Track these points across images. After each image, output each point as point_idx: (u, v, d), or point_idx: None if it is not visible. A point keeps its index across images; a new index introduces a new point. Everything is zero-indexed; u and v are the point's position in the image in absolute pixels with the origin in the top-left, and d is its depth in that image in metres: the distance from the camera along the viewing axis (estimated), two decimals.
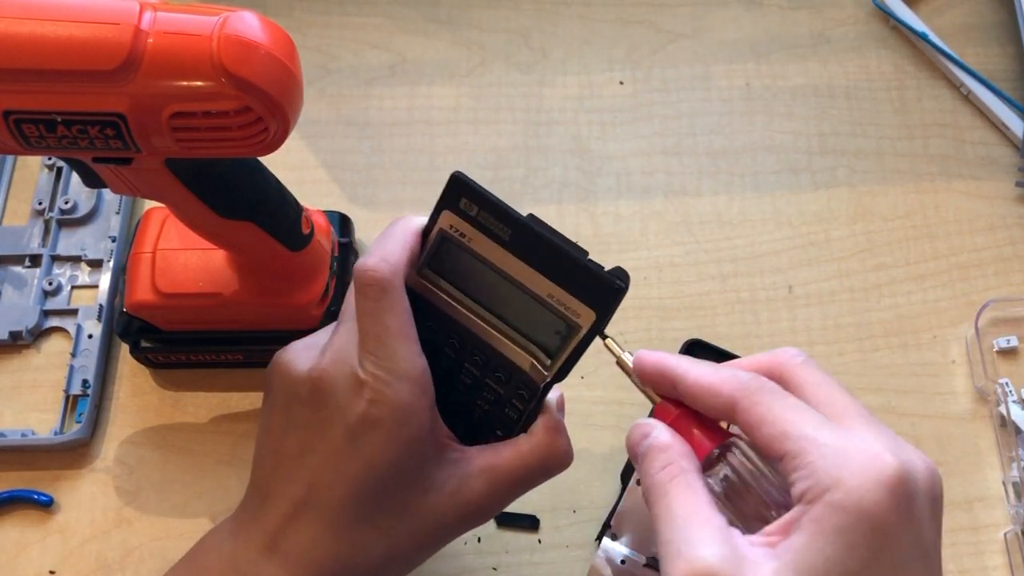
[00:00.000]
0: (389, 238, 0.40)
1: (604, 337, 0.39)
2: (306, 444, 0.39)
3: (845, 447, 0.32)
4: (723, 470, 0.37)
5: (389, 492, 0.39)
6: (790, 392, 0.35)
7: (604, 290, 0.38)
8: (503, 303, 0.40)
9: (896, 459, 0.32)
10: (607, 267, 0.38)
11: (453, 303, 0.41)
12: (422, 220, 0.41)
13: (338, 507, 0.39)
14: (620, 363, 0.40)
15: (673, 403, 0.38)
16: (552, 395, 0.41)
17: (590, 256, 0.38)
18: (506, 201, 0.39)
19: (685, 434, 0.37)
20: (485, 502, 0.40)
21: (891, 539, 0.31)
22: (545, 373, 0.40)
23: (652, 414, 0.39)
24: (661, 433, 0.37)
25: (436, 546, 0.41)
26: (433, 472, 0.40)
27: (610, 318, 0.38)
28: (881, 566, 0.31)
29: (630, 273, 0.38)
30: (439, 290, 0.41)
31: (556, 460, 0.41)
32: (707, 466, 0.37)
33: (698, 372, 0.37)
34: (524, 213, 0.39)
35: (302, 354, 0.41)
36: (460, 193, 0.39)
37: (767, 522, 0.34)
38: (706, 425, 0.38)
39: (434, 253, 0.40)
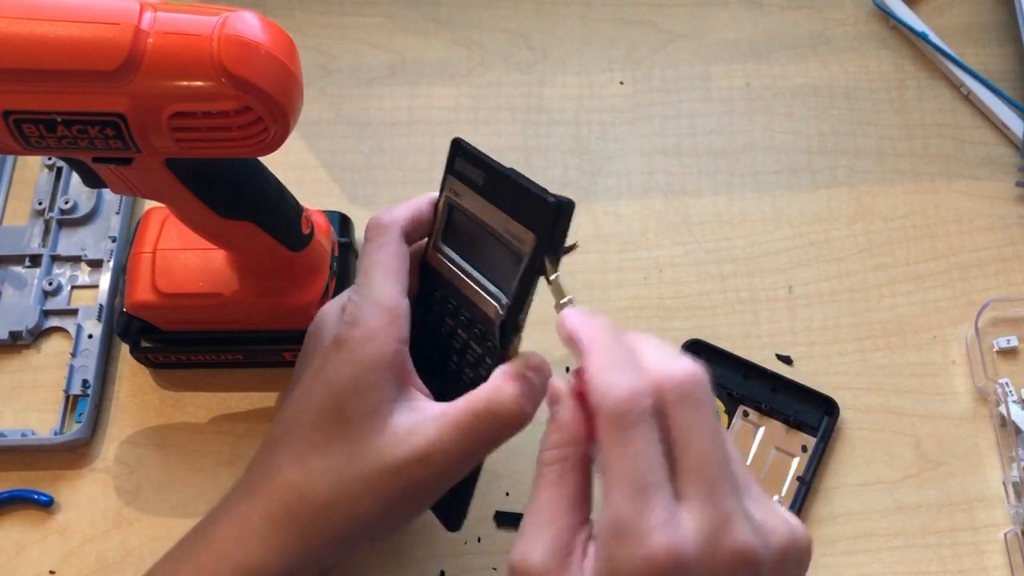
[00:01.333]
0: (401, 203, 0.44)
1: (550, 280, 0.38)
2: (295, 378, 0.44)
3: (625, 520, 0.32)
4: None
5: (344, 419, 0.40)
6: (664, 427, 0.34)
7: (540, 208, 0.38)
8: (481, 255, 0.42)
9: (666, 547, 0.31)
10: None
11: (455, 270, 0.43)
12: (434, 193, 0.44)
13: (299, 435, 0.41)
14: (556, 309, 0.38)
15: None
16: (527, 353, 0.40)
17: (554, 197, 0.37)
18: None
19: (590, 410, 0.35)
20: (432, 448, 0.39)
21: None
22: (501, 312, 0.40)
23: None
24: (563, 410, 0.36)
25: (383, 494, 0.40)
26: (391, 412, 0.40)
27: (552, 242, 0.38)
28: None
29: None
30: (450, 262, 0.43)
31: (502, 405, 0.39)
32: None
33: (597, 366, 0.34)
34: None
35: (329, 319, 0.44)
36: (458, 155, 0.42)
37: None
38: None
39: (446, 224, 0.43)
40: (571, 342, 0.36)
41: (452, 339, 0.44)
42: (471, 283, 0.42)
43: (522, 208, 0.39)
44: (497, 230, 0.40)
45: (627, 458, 0.33)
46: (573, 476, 0.35)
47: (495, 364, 0.41)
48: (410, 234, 0.44)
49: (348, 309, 0.41)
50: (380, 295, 0.41)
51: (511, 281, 0.40)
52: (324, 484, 0.40)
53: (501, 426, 0.39)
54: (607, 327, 0.36)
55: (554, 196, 0.38)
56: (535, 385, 0.40)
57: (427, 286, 0.45)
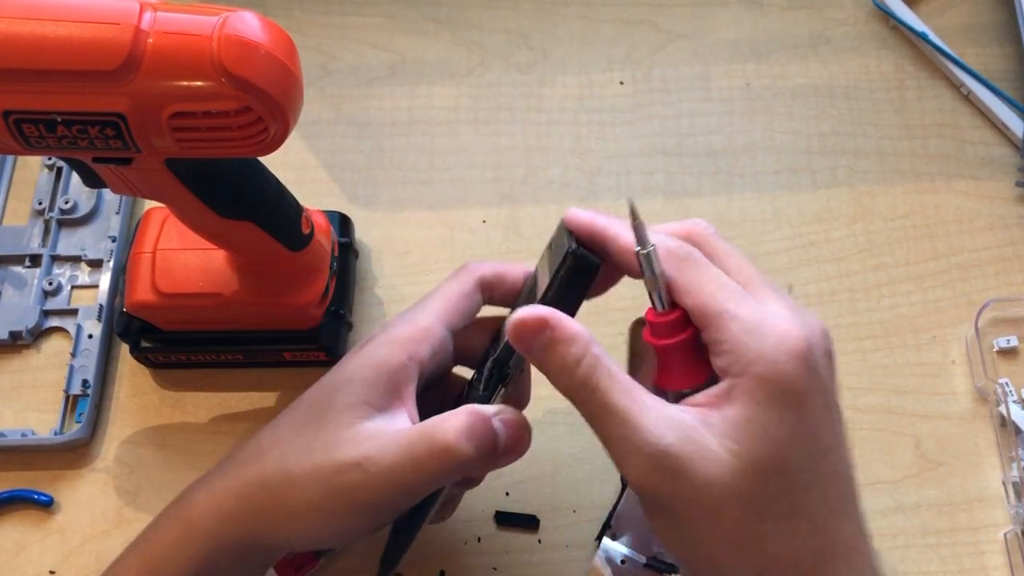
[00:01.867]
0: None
1: (636, 222, 0.37)
2: None
3: (761, 323, 0.34)
4: None
5: (327, 406, 0.41)
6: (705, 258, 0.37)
7: (562, 254, 0.38)
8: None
9: (802, 331, 0.35)
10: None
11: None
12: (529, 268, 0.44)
13: (295, 407, 0.43)
14: (646, 254, 0.37)
15: (680, 321, 0.37)
16: (507, 407, 0.40)
17: (577, 247, 0.38)
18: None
19: (686, 355, 0.37)
20: (374, 455, 0.39)
21: (808, 402, 0.34)
22: (496, 350, 0.41)
23: (652, 329, 0.37)
24: (563, 322, 0.36)
25: (323, 490, 0.39)
26: (366, 416, 0.40)
27: (560, 288, 0.38)
28: (805, 427, 0.34)
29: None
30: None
31: (443, 433, 0.38)
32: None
33: (628, 238, 0.37)
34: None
35: None
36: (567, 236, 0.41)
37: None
38: (700, 350, 0.37)
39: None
40: (589, 236, 0.39)
41: (473, 382, 0.44)
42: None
43: (556, 258, 0.38)
44: (540, 283, 0.40)
45: (712, 276, 0.36)
46: (616, 368, 0.36)
47: (472, 401, 0.41)
48: (489, 284, 0.45)
49: (391, 318, 0.44)
50: (419, 315, 0.43)
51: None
52: (276, 461, 0.41)
53: (439, 455, 0.38)
54: (605, 216, 0.39)
55: (579, 248, 0.37)
56: (490, 431, 0.39)
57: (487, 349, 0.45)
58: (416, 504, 0.42)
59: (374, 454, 0.39)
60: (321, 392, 0.43)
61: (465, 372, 0.48)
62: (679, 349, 0.37)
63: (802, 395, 0.34)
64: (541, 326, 0.36)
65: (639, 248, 0.36)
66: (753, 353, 0.34)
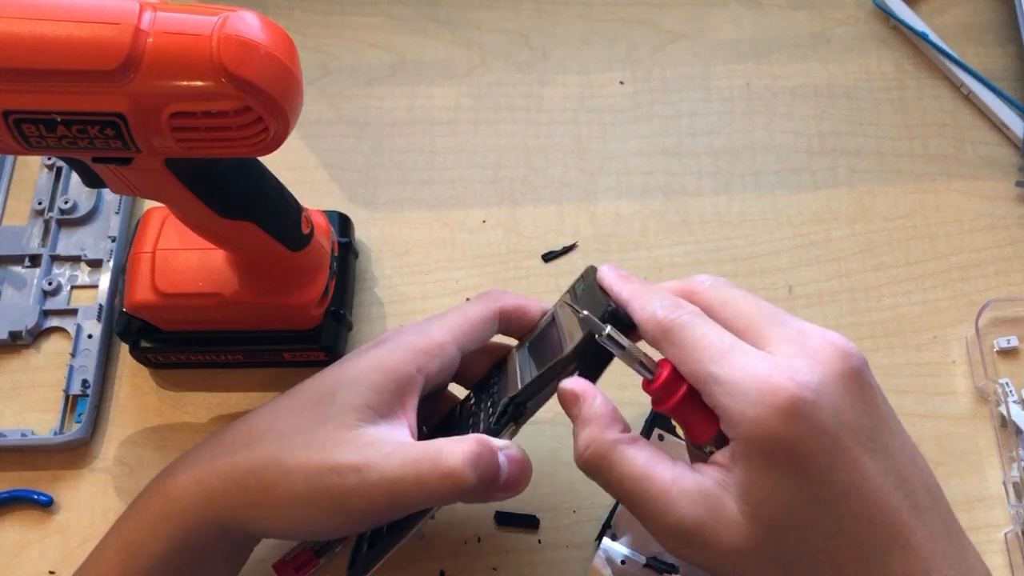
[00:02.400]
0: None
1: (587, 318, 0.39)
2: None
3: (741, 381, 0.34)
4: None
5: (329, 401, 0.42)
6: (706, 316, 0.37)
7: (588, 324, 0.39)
8: (544, 352, 0.43)
9: (787, 380, 0.33)
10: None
11: (516, 359, 0.46)
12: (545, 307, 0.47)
13: (296, 394, 0.44)
14: (607, 336, 0.39)
15: (670, 381, 0.37)
16: (514, 443, 0.41)
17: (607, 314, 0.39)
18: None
19: (690, 411, 0.37)
20: (376, 463, 0.39)
21: (803, 452, 0.33)
22: (516, 389, 0.42)
23: (653, 385, 0.38)
24: (588, 400, 0.39)
25: (314, 483, 0.40)
26: (368, 422, 0.41)
27: (587, 358, 0.40)
28: (807, 478, 0.33)
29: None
30: (518, 354, 0.46)
31: (451, 454, 0.39)
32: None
33: (639, 309, 0.38)
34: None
35: None
36: (584, 281, 0.44)
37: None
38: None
39: (537, 331, 0.45)
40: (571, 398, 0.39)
41: (474, 407, 0.45)
42: (518, 367, 0.44)
43: (587, 318, 0.39)
44: (563, 333, 0.42)
45: (697, 339, 0.36)
46: (632, 448, 0.37)
47: (482, 430, 0.42)
48: (508, 316, 0.46)
49: (406, 325, 0.45)
50: (435, 329, 0.44)
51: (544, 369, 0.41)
52: (275, 448, 0.41)
53: (442, 477, 0.39)
54: (622, 282, 0.41)
55: (607, 316, 0.39)
56: (496, 464, 0.40)
57: (488, 375, 0.47)
58: (400, 519, 0.42)
59: (375, 462, 0.39)
60: (324, 386, 0.43)
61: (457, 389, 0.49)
62: (682, 408, 0.37)
63: (794, 447, 0.33)
64: (574, 399, 0.39)
65: (597, 335, 0.38)
66: (737, 416, 0.34)
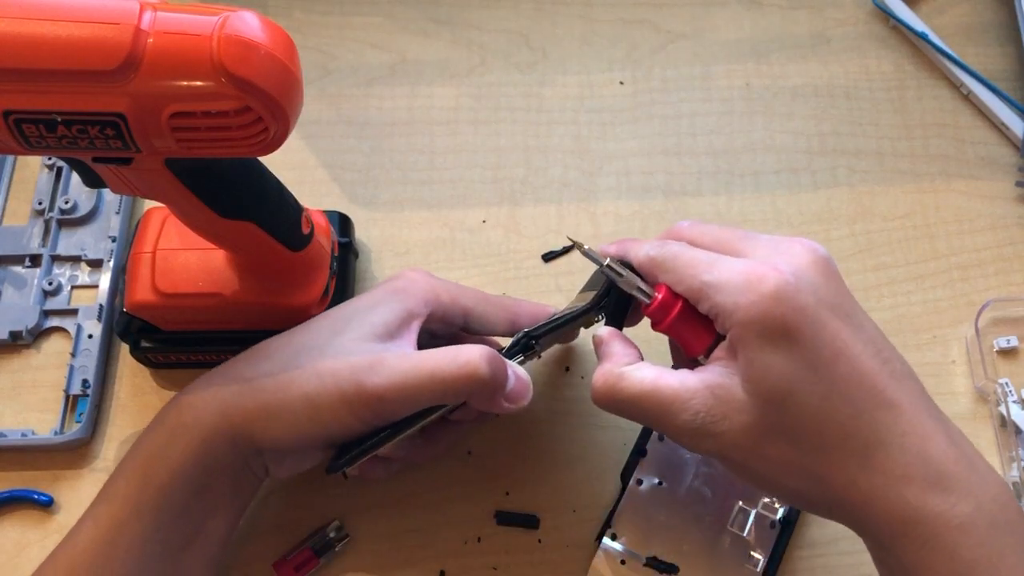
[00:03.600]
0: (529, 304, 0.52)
1: (582, 248, 0.44)
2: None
3: (729, 278, 0.39)
4: None
5: (348, 322, 0.45)
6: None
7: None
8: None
9: (768, 269, 0.38)
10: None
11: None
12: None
13: (307, 323, 0.47)
14: (607, 266, 0.44)
15: (666, 302, 0.42)
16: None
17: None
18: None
19: (686, 327, 0.42)
20: (392, 357, 0.43)
21: (794, 326, 0.38)
22: (531, 327, 0.47)
23: (652, 306, 0.43)
24: (607, 339, 0.44)
25: (323, 387, 0.43)
26: (381, 340, 0.45)
27: (607, 306, 0.46)
28: (800, 348, 0.38)
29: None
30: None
31: (469, 351, 0.43)
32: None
33: (630, 255, 0.44)
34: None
35: None
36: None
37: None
38: (699, 318, 0.42)
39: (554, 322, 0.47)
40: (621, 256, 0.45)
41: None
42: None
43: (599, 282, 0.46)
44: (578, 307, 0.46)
45: (684, 259, 0.41)
46: (639, 372, 0.41)
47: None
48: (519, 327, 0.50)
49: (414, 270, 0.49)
50: (461, 290, 0.49)
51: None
52: (292, 356, 0.44)
53: (459, 367, 0.43)
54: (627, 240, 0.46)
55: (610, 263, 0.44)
56: (505, 370, 0.44)
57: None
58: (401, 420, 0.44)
59: (389, 359, 0.43)
60: (340, 312, 0.47)
61: None
62: (678, 324, 0.42)
63: (784, 323, 0.37)
64: (598, 343, 0.44)
65: (599, 265, 0.44)
66: (730, 306, 0.38)
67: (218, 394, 0.44)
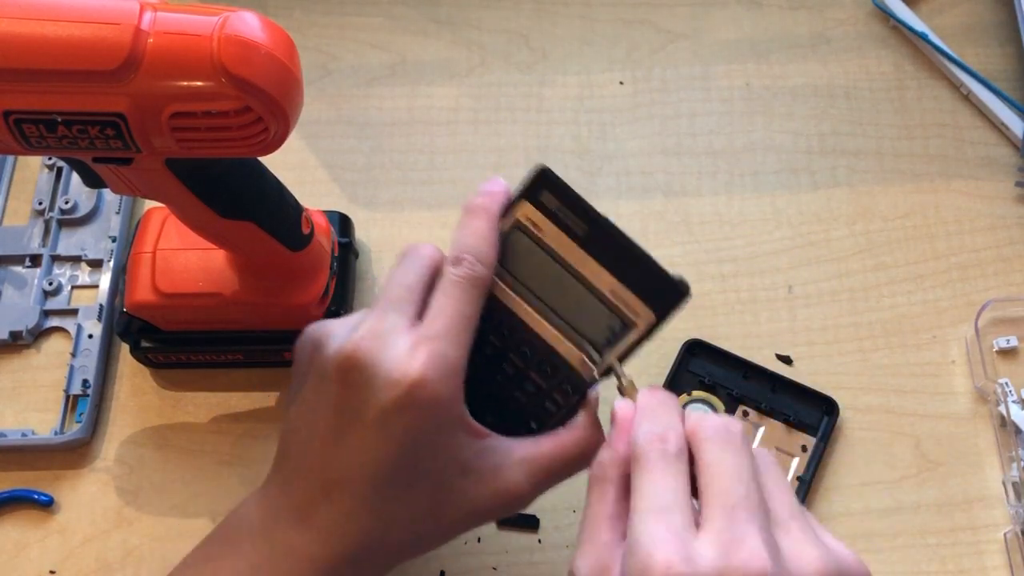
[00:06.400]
0: (478, 234, 0.41)
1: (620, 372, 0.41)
2: (339, 424, 0.39)
3: (638, 542, 0.34)
4: None
5: (423, 473, 0.39)
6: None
7: (668, 292, 0.40)
8: (561, 297, 0.42)
9: (666, 569, 0.32)
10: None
11: (511, 293, 0.42)
12: (497, 208, 0.42)
13: (371, 486, 0.39)
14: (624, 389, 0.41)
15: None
16: (591, 392, 0.42)
17: (680, 280, 0.40)
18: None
19: None
20: (522, 491, 0.41)
21: None
22: (594, 369, 0.41)
23: None
24: (615, 430, 0.39)
25: (465, 529, 0.42)
26: (469, 458, 0.40)
27: (668, 321, 0.40)
28: None
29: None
30: (499, 279, 0.42)
31: (594, 454, 0.40)
32: None
33: (641, 414, 0.38)
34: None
35: (336, 329, 0.41)
36: (544, 186, 0.41)
37: None
38: None
39: (503, 243, 0.42)
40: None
41: (501, 362, 0.43)
42: (535, 314, 0.42)
43: (643, 285, 0.40)
44: (597, 288, 0.41)
45: (649, 485, 0.35)
46: (614, 494, 0.37)
47: (566, 405, 0.42)
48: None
49: (420, 359, 0.39)
50: (456, 356, 0.40)
51: (603, 336, 0.41)
52: (405, 530, 0.41)
53: (584, 468, 0.40)
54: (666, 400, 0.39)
55: (683, 283, 0.40)
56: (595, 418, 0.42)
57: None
58: None
59: (523, 489, 0.41)
60: (395, 464, 0.39)
61: None
62: None
63: None
64: (612, 418, 0.39)
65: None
66: (624, 567, 0.34)
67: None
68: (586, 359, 0.41)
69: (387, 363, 0.38)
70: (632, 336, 0.40)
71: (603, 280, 0.40)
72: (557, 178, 0.41)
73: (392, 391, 0.38)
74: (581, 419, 0.42)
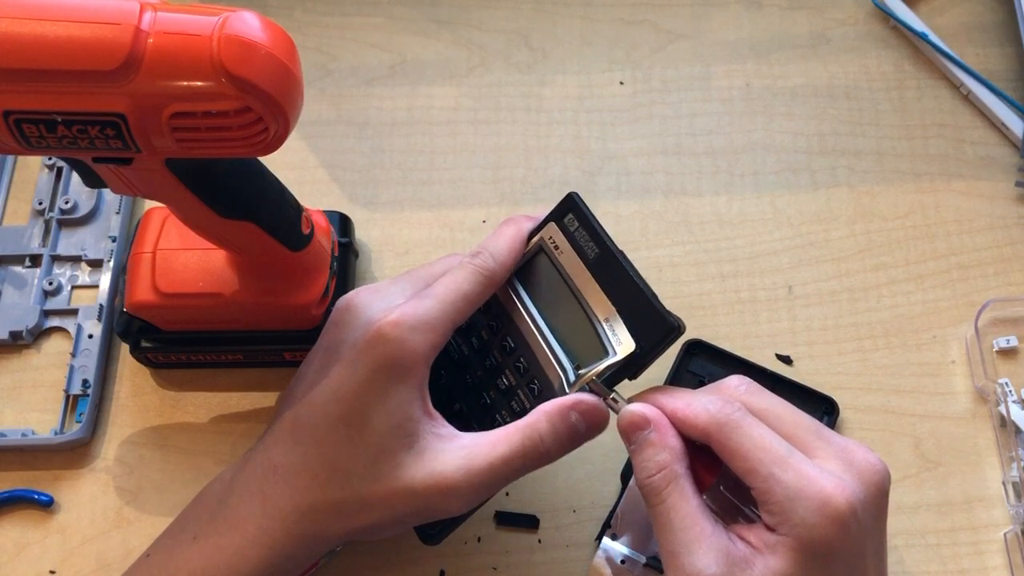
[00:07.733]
0: (503, 238, 0.45)
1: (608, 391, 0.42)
2: (323, 363, 0.43)
3: (804, 488, 0.38)
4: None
5: (373, 423, 0.41)
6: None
7: (656, 327, 0.41)
8: (557, 311, 0.44)
9: (844, 494, 0.37)
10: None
11: (514, 300, 0.45)
12: (530, 224, 0.46)
13: (327, 425, 0.41)
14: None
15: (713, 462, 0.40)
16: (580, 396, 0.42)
17: (674, 320, 0.41)
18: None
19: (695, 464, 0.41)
20: (456, 480, 0.40)
21: (839, 559, 0.38)
22: (562, 376, 0.43)
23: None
24: (663, 428, 0.40)
25: (398, 514, 0.41)
26: (416, 430, 0.41)
27: (655, 354, 0.41)
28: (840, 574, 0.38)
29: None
30: (515, 295, 0.45)
31: (538, 444, 0.41)
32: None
33: (674, 406, 0.41)
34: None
35: (361, 292, 0.45)
36: (570, 209, 0.44)
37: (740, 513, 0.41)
38: (703, 456, 0.40)
39: (527, 261, 0.45)
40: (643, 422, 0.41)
41: (496, 376, 0.45)
42: (530, 323, 0.44)
43: (633, 311, 0.42)
44: (592, 308, 0.43)
45: (757, 439, 0.39)
46: (690, 488, 0.40)
47: (535, 408, 0.42)
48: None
49: (400, 309, 0.41)
50: (436, 317, 0.42)
51: (585, 355, 0.43)
52: (348, 488, 0.41)
53: (530, 465, 0.41)
54: (654, 391, 0.42)
55: (674, 319, 0.41)
56: (573, 427, 0.42)
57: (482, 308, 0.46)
58: None
59: (460, 477, 0.40)
60: (350, 407, 0.41)
61: None
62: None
63: (832, 550, 0.37)
64: (644, 424, 0.41)
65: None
66: (796, 518, 0.37)
67: (284, 524, 0.41)
68: (557, 366, 0.43)
69: (373, 309, 0.43)
70: (610, 361, 0.42)
71: (600, 304, 0.42)
72: (582, 203, 0.44)
73: (366, 329, 0.41)
74: (531, 418, 0.42)
